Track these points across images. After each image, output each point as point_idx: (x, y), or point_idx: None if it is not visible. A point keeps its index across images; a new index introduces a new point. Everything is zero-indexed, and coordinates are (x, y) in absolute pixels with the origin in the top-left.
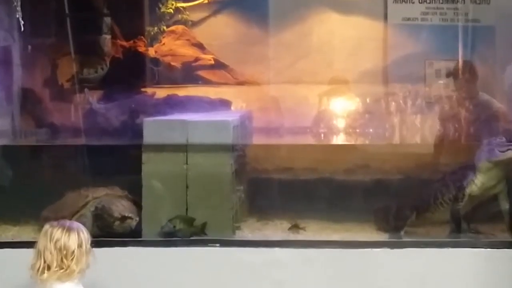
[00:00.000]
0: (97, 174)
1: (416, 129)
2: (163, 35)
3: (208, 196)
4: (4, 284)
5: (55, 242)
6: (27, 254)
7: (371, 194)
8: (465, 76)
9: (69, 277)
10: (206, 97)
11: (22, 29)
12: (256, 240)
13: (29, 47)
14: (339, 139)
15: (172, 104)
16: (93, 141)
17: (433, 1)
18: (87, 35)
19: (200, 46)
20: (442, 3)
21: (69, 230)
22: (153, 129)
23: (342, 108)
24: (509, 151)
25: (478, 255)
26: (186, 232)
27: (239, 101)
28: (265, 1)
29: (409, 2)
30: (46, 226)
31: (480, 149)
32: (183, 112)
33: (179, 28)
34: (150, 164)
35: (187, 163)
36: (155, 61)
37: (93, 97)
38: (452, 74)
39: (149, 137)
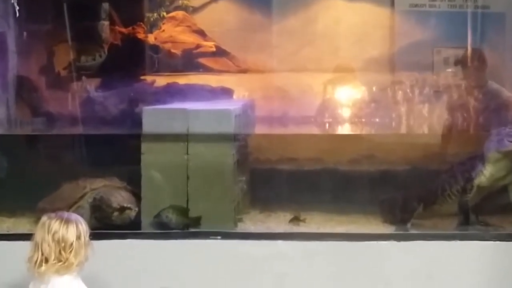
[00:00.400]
0: (95, 164)
1: (423, 118)
2: (163, 21)
3: (209, 187)
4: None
5: (53, 234)
6: (23, 246)
7: (377, 185)
8: (474, 64)
9: (68, 270)
10: (207, 85)
11: (17, 15)
12: (259, 233)
13: (25, 33)
14: (344, 129)
15: (172, 92)
16: (90, 131)
17: None
18: (85, 21)
19: (201, 33)
20: None
21: (67, 222)
22: (153, 118)
23: (348, 97)
24: None
25: (487, 248)
26: (180, 223)
27: (241, 90)
28: None
29: None
30: (44, 218)
31: (489, 139)
32: (184, 101)
33: (180, 14)
34: (149, 154)
35: (187, 153)
36: (155, 48)
37: (90, 85)
38: (460, 62)
39: (148, 126)
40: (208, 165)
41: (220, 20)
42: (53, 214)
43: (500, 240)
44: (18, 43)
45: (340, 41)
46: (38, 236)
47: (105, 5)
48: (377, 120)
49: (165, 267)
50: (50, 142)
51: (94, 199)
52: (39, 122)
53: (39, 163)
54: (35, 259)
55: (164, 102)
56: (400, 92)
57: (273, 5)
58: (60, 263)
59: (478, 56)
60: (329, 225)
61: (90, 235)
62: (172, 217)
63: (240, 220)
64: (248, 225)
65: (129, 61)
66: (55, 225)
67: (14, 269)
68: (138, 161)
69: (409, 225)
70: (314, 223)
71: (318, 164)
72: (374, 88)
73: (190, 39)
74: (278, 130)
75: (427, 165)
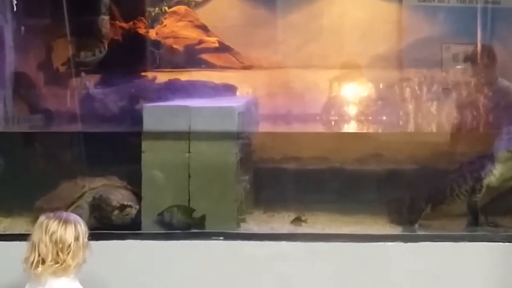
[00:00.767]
0: (94, 163)
1: (431, 116)
2: (165, 16)
3: (211, 186)
4: None
5: (51, 235)
6: (20, 247)
7: (384, 185)
8: (483, 61)
9: (65, 272)
10: (210, 82)
11: (15, 9)
12: (262, 233)
13: (22, 28)
14: (350, 127)
15: (173, 89)
16: (90, 128)
17: None
18: (84, 15)
19: (203, 28)
20: None
21: (65, 222)
22: (154, 116)
23: (354, 94)
24: None
25: (496, 249)
26: (184, 223)
27: (245, 86)
28: None
29: None
30: (42, 218)
31: (499, 138)
32: (186, 98)
33: (182, 9)
34: (150, 152)
35: (189, 152)
36: (156, 44)
37: (90, 82)
38: (470, 58)
39: (149, 124)
40: (210, 164)
41: (223, 15)
42: (51, 214)
43: (510, 242)
44: (16, 38)
45: (346, 36)
46: (35, 236)
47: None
48: (384, 118)
49: (166, 268)
50: (48, 140)
51: (93, 198)
52: (37, 119)
53: (36, 161)
54: (31, 260)
55: (166, 99)
56: (407, 89)
57: None
58: (57, 265)
59: (488, 52)
60: (334, 225)
61: (88, 236)
62: (175, 216)
63: (243, 220)
64: (251, 225)
65: (130, 57)
66: (53, 225)
67: (11, 270)
68: (138, 160)
69: (416, 226)
70: (319, 223)
71: (323, 163)
72: (381, 85)
73: (193, 34)
74: (282, 128)
75: (435, 164)
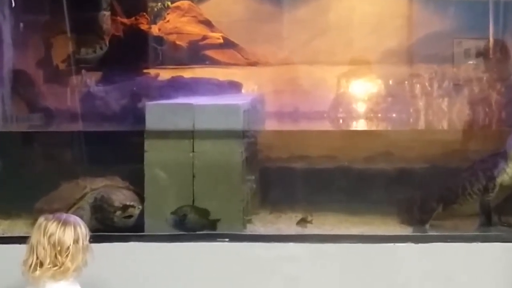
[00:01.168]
0: (96, 163)
1: (443, 113)
2: (168, 12)
3: (216, 186)
4: None
5: (49, 237)
6: (19, 250)
7: (394, 184)
8: (496, 56)
9: (64, 275)
10: (214, 79)
11: (13, 4)
12: (269, 235)
13: (21, 24)
14: (359, 125)
15: (177, 86)
16: (91, 127)
17: None
18: (85, 11)
19: (207, 24)
20: None
21: (65, 224)
22: (157, 114)
23: (362, 91)
24: None
25: (510, 250)
26: (197, 224)
27: (250, 83)
28: None
29: None
30: (41, 219)
31: None
32: (189, 95)
33: (185, 3)
34: (153, 152)
35: (193, 151)
36: (159, 40)
37: (91, 79)
38: (482, 53)
39: (152, 122)
40: (215, 163)
41: (227, 10)
42: (50, 216)
43: None
44: (14, 34)
45: (354, 31)
46: (33, 238)
47: None
48: (393, 115)
49: (170, 271)
50: (48, 139)
51: (95, 199)
52: (37, 118)
53: (36, 161)
54: (29, 262)
55: (169, 97)
56: (418, 85)
57: None
58: (56, 268)
59: (501, 47)
60: (343, 226)
61: (90, 238)
62: (189, 216)
63: (249, 221)
64: (257, 226)
65: (132, 54)
66: (52, 227)
67: (10, 274)
68: (141, 160)
69: (427, 226)
70: (327, 224)
71: (331, 162)
72: (390, 82)
73: (196, 30)
74: (289, 126)
75: (446, 163)
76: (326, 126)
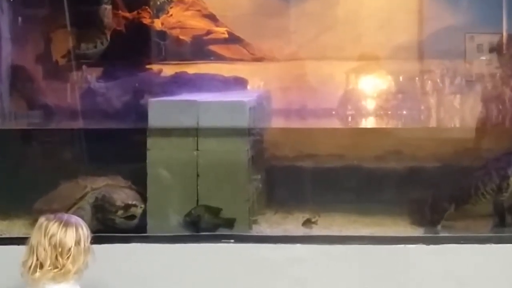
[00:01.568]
0: (97, 162)
1: (455, 111)
2: (171, 5)
3: (221, 186)
4: None
5: (50, 238)
6: (17, 251)
7: (405, 184)
8: (510, 51)
9: (64, 277)
10: (219, 75)
11: None
12: (275, 236)
13: (19, 19)
14: (368, 122)
15: (180, 82)
16: (91, 125)
17: None
18: (85, 5)
19: (212, 18)
20: None
21: (66, 224)
22: (160, 111)
23: (372, 87)
24: None
25: None
26: (211, 224)
27: (256, 80)
28: None
29: None
30: (41, 219)
31: None
32: (193, 92)
33: None
34: (156, 150)
35: (197, 149)
36: (162, 35)
37: (91, 75)
38: (495, 49)
39: (154, 120)
40: (220, 162)
41: (233, 3)
42: (51, 216)
43: None
44: (12, 29)
45: (363, 26)
46: (34, 239)
47: None
48: (404, 112)
49: (173, 273)
50: (47, 137)
51: (96, 198)
52: (36, 116)
53: (35, 160)
54: (29, 264)
55: (172, 94)
56: (429, 82)
57: None
58: (56, 270)
59: None
60: (352, 227)
61: (91, 240)
62: (204, 217)
63: (255, 222)
64: (263, 227)
65: (134, 49)
66: (53, 227)
67: (8, 275)
68: (143, 158)
69: (439, 227)
70: (336, 225)
71: (340, 160)
72: (401, 78)
73: (200, 24)
74: (296, 124)
75: (459, 162)
76: (334, 123)
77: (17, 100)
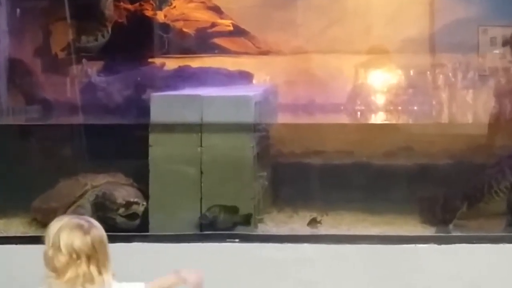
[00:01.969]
0: (97, 158)
1: (467, 106)
2: None
3: (225, 183)
4: None
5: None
6: (15, 250)
7: (415, 182)
8: None
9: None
10: (224, 69)
11: None
12: (282, 235)
13: (18, 10)
14: (378, 118)
15: (184, 76)
16: (92, 120)
17: None
18: None
19: (217, 10)
20: None
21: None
22: (162, 106)
23: (382, 81)
24: None
25: None
26: (228, 223)
27: (262, 74)
28: None
29: None
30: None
31: None
32: (197, 86)
33: None
34: (158, 146)
35: (201, 146)
36: (165, 27)
37: (92, 69)
38: (509, 42)
39: (157, 115)
40: (224, 158)
41: None
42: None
43: None
44: (11, 21)
45: (373, 18)
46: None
47: None
48: (415, 108)
49: None
50: (46, 133)
51: (96, 196)
52: (34, 111)
53: (34, 157)
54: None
55: (175, 88)
56: (441, 76)
57: None
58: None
59: None
60: (361, 226)
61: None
62: (220, 217)
63: (261, 220)
64: (269, 226)
65: (136, 42)
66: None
67: (6, 276)
68: (145, 155)
69: (451, 226)
70: (344, 224)
71: (348, 157)
72: (411, 72)
73: (205, 16)
74: (303, 119)
75: (471, 159)
76: (343, 119)
77: (15, 94)
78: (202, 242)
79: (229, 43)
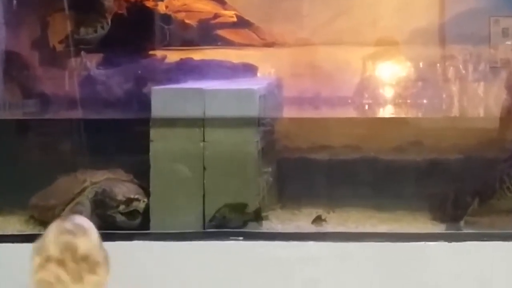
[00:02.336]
0: (96, 154)
1: (478, 99)
2: None
3: (229, 179)
4: None
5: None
6: (11, 249)
7: (425, 177)
8: None
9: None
10: (227, 61)
11: None
12: (287, 232)
13: (14, 1)
14: (386, 112)
15: (186, 69)
16: (91, 115)
17: None
18: None
19: (220, 0)
20: None
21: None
22: (164, 100)
23: (390, 74)
24: None
25: None
26: (239, 221)
27: (267, 66)
28: None
29: None
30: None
31: None
32: (199, 79)
33: None
34: (159, 141)
35: (204, 141)
36: (166, 19)
37: (91, 62)
38: None
39: (158, 109)
40: (227, 154)
41: None
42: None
43: None
44: (7, 12)
45: (381, 9)
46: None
47: None
48: (424, 101)
49: (177, 272)
50: (43, 128)
51: (96, 193)
52: (31, 105)
53: (31, 152)
54: None
55: (177, 81)
56: (451, 68)
57: None
58: None
59: None
60: (368, 223)
61: None
62: (230, 216)
63: (266, 218)
64: (274, 223)
65: (136, 34)
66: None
67: (3, 275)
68: (146, 150)
69: (462, 223)
70: (351, 221)
71: (356, 152)
72: (421, 64)
73: (207, 7)
74: (309, 113)
75: (483, 154)
76: (350, 113)
77: (11, 88)
78: (205, 240)
79: (232, 35)
